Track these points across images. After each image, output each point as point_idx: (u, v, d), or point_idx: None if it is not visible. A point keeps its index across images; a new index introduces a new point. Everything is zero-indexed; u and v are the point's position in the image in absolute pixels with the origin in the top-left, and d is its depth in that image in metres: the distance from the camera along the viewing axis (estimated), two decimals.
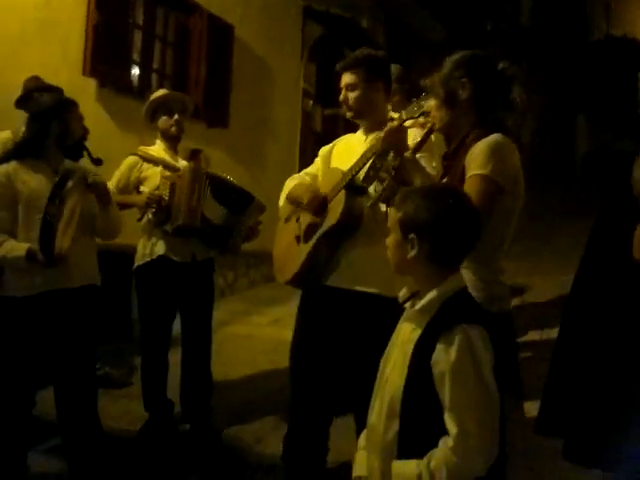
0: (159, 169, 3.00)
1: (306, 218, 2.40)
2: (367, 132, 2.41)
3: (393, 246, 1.51)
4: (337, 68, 2.42)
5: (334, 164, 2.45)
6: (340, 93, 2.42)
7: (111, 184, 2.90)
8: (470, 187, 1.73)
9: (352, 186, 2.22)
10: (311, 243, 2.31)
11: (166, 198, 2.89)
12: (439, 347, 1.37)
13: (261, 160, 6.24)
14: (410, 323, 1.50)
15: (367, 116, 2.39)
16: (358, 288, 2.26)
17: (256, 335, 4.74)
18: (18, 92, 3.42)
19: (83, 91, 4.20)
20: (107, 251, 2.66)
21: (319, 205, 2.31)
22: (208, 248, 3.06)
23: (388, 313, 2.16)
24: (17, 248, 2.28)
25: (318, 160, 2.57)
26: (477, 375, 1.34)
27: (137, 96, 4.88)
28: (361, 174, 2.20)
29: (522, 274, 5.00)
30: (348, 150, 2.42)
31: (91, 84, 4.39)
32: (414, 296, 1.52)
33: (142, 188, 3.02)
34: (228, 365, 3.77)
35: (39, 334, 2.40)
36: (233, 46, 5.75)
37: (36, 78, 3.37)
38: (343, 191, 2.23)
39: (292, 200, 2.45)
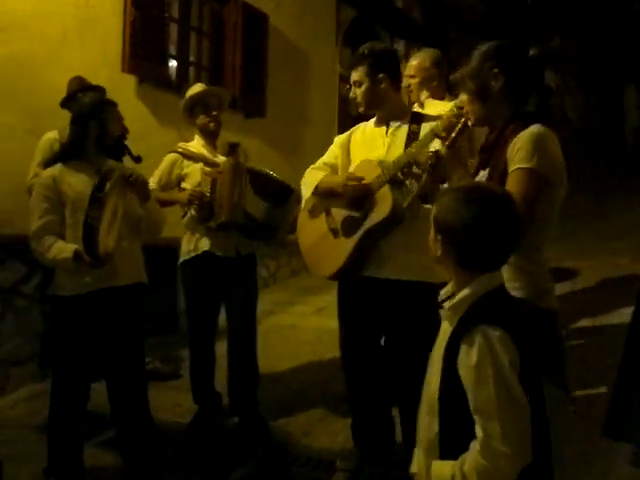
0: (199, 165, 3.01)
1: (340, 211, 2.41)
2: (383, 123, 2.45)
3: (429, 240, 1.52)
4: (345, 67, 2.50)
5: (356, 154, 2.48)
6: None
7: (152, 182, 2.93)
8: (514, 181, 1.69)
9: (395, 181, 2.23)
10: (356, 237, 2.32)
11: (208, 194, 2.90)
12: (462, 348, 1.37)
13: (299, 148, 6.22)
14: (446, 322, 1.50)
15: (378, 108, 2.45)
16: (399, 277, 2.30)
17: (300, 325, 4.76)
18: (62, 92, 3.50)
19: (123, 88, 4.26)
20: (153, 245, 2.69)
21: (361, 198, 2.31)
22: (251, 242, 3.07)
23: (430, 298, 2.24)
24: (65, 250, 2.33)
25: (334, 148, 2.57)
26: (497, 377, 1.32)
27: (175, 90, 4.91)
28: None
29: (569, 257, 4.86)
30: (370, 140, 2.45)
31: (130, 80, 4.44)
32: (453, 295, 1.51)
33: (184, 185, 3.04)
34: (273, 357, 3.80)
35: (90, 331, 2.46)
36: (268, 35, 5.72)
37: (79, 78, 3.43)
38: (387, 186, 2.24)
39: (325, 192, 2.45)
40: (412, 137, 2.33)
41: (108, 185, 2.31)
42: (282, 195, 2.97)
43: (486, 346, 1.33)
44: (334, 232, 2.42)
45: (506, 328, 1.35)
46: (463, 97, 1.88)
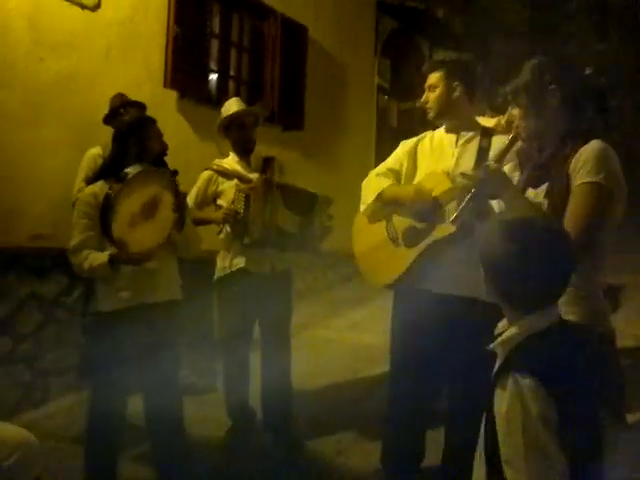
0: (234, 182, 3.04)
1: (402, 220, 2.40)
2: (453, 132, 2.43)
3: (485, 281, 1.47)
4: (423, 70, 2.50)
5: (423, 163, 2.46)
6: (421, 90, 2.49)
7: (190, 199, 2.97)
8: (581, 195, 1.68)
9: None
10: (419, 248, 2.31)
11: (241, 211, 2.92)
12: (496, 393, 1.34)
13: (337, 159, 6.22)
14: (497, 357, 1.45)
15: (447, 116, 2.43)
16: (457, 293, 2.27)
17: (335, 339, 4.74)
18: (106, 108, 3.58)
19: (165, 103, 4.34)
20: (188, 259, 2.72)
21: (430, 211, 2.29)
22: (286, 257, 3.07)
23: (482, 315, 2.19)
24: (100, 256, 2.37)
25: (400, 155, 2.53)
26: (525, 428, 1.26)
27: (215, 105, 4.96)
28: None
29: (613, 272, 4.68)
30: (439, 150, 2.43)
31: (172, 95, 4.52)
32: None
33: (219, 202, 3.08)
34: (307, 372, 3.77)
35: (128, 345, 2.48)
36: (307, 47, 5.75)
37: (121, 95, 3.51)
38: (456, 202, 2.18)
39: (390, 200, 2.43)
40: (482, 152, 2.32)
41: (134, 169, 2.32)
42: (308, 203, 2.98)
43: (516, 394, 1.28)
44: (394, 241, 2.41)
45: (541, 377, 1.28)
46: (514, 111, 1.85)
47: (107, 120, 3.40)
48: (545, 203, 1.75)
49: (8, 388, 3.45)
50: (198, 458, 2.73)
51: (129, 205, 2.30)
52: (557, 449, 1.26)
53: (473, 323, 2.24)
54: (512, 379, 1.29)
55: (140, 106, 3.35)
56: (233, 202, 2.96)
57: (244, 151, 3.14)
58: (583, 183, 1.67)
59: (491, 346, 1.45)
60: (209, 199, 3.11)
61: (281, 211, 2.93)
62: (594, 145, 1.70)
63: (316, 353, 4.24)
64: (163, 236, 2.39)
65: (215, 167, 3.13)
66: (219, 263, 3.10)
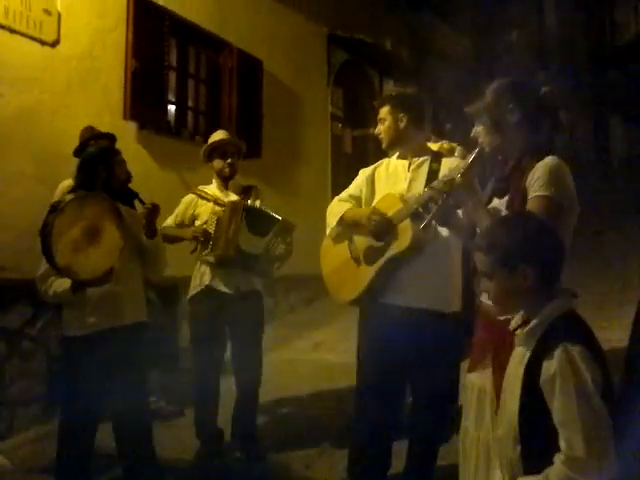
0: (211, 205, 3.22)
1: (362, 241, 2.58)
2: (405, 158, 2.65)
3: (499, 288, 1.55)
4: (374, 104, 2.74)
5: (380, 188, 2.66)
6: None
7: (170, 219, 3.26)
8: (535, 207, 1.84)
9: (416, 215, 2.39)
10: (378, 265, 2.49)
11: (211, 231, 3.11)
12: (544, 366, 1.43)
13: (294, 185, 6.39)
14: (521, 348, 1.56)
15: (398, 145, 2.66)
16: (415, 305, 2.45)
17: (299, 360, 4.84)
18: (68, 139, 3.65)
19: (125, 134, 4.41)
20: (154, 284, 2.80)
21: (384, 230, 2.47)
22: (252, 279, 3.20)
23: (445, 328, 2.41)
24: (64, 282, 2.42)
25: (359, 182, 2.74)
26: (578, 390, 1.38)
27: (174, 134, 5.12)
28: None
29: None
30: (394, 175, 2.64)
31: (132, 127, 4.62)
32: (526, 323, 1.58)
33: (196, 223, 3.26)
34: (273, 391, 3.86)
35: (96, 370, 2.51)
36: (262, 79, 5.95)
37: (91, 128, 3.58)
38: (409, 220, 2.41)
39: (349, 222, 2.62)
40: (432, 174, 2.52)
41: (69, 196, 2.39)
42: (267, 225, 3.16)
43: (567, 360, 1.40)
44: (356, 260, 2.58)
45: (586, 344, 1.43)
46: (479, 129, 2.04)
47: (77, 152, 3.47)
48: (506, 213, 1.92)
49: None
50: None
51: (68, 232, 2.32)
52: (605, 409, 1.38)
53: (434, 333, 2.42)
54: (561, 349, 1.41)
55: (110, 138, 3.44)
56: (205, 222, 3.16)
57: (224, 178, 3.33)
58: (536, 196, 1.84)
59: (518, 335, 1.56)
60: (187, 221, 3.30)
61: (243, 232, 3.09)
62: (548, 161, 1.87)
63: (281, 374, 4.32)
64: (114, 258, 2.41)
65: (197, 192, 3.34)
66: (192, 282, 3.26)
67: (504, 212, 1.94)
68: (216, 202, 3.24)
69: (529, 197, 1.85)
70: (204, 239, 3.13)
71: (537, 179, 1.85)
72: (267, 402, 3.47)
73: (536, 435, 1.45)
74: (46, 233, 2.28)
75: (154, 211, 2.61)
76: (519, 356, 1.56)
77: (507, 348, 1.87)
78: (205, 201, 3.28)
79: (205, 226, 3.15)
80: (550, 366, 1.42)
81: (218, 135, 3.42)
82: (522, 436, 1.48)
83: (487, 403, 1.90)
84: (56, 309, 2.80)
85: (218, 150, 3.33)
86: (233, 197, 3.29)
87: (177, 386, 3.95)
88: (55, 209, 2.33)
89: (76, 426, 2.52)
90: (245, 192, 3.33)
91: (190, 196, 3.36)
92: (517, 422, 1.48)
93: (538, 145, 1.94)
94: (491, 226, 1.66)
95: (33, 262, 2.57)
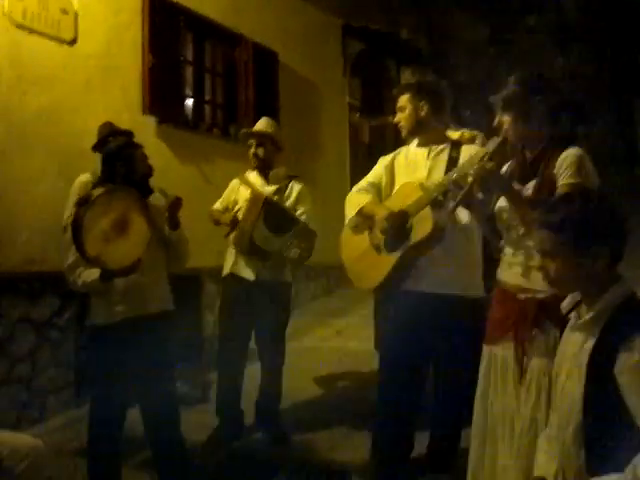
0: (249, 192, 3.31)
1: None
2: (424, 146, 2.66)
3: (564, 268, 1.51)
4: (393, 93, 2.76)
5: (399, 176, 2.70)
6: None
7: (218, 203, 3.45)
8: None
9: (436, 203, 2.43)
10: (399, 253, 2.51)
11: (239, 218, 3.21)
12: (622, 356, 1.38)
13: (313, 176, 6.40)
14: (580, 333, 1.53)
15: (418, 133, 2.68)
16: (436, 290, 2.47)
17: (321, 347, 4.89)
18: (87, 136, 3.72)
19: (144, 129, 4.49)
20: (179, 274, 2.87)
21: (399, 220, 2.50)
22: (270, 269, 3.26)
23: (466, 312, 2.45)
24: (93, 272, 2.49)
25: (379, 170, 2.77)
26: None
27: (193, 128, 5.19)
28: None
29: None
30: (413, 163, 2.67)
31: (151, 122, 4.69)
32: (577, 306, 1.57)
33: (236, 208, 3.36)
34: (296, 379, 3.90)
35: (124, 357, 2.59)
36: (278, 71, 5.98)
37: (110, 124, 3.64)
38: (429, 207, 2.43)
39: (368, 215, 2.65)
40: (452, 162, 2.54)
41: (98, 190, 2.47)
42: (285, 225, 3.18)
43: None
44: (377, 248, 2.61)
45: None
46: (504, 118, 2.10)
47: (96, 147, 3.54)
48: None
49: (6, 408, 3.53)
50: (196, 464, 2.84)
51: (98, 224, 2.40)
52: None
53: (455, 318, 2.45)
54: None
55: (128, 134, 3.51)
56: (239, 210, 3.26)
57: (257, 167, 3.40)
58: (567, 183, 1.94)
59: (582, 321, 1.52)
60: (231, 204, 3.42)
61: (259, 226, 3.14)
62: (574, 151, 1.98)
63: (304, 360, 4.37)
64: (141, 249, 2.48)
65: (240, 178, 3.45)
66: (224, 264, 3.37)
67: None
68: (252, 190, 3.32)
69: (559, 184, 1.95)
70: (233, 225, 3.23)
71: (566, 167, 1.95)
72: (290, 388, 3.52)
73: (601, 424, 1.42)
74: (77, 225, 2.36)
75: (177, 204, 2.67)
76: (578, 342, 1.52)
77: (527, 324, 1.98)
78: (245, 187, 3.36)
79: (238, 213, 3.26)
80: (630, 357, 1.36)
81: (258, 124, 3.50)
82: (586, 424, 1.44)
83: (510, 374, 1.99)
84: (82, 300, 2.87)
85: (248, 139, 3.43)
86: (269, 188, 3.34)
87: (201, 373, 4.03)
88: (85, 202, 2.41)
89: (105, 412, 2.60)
90: (285, 182, 3.39)
91: (235, 181, 3.47)
92: (580, 410, 1.45)
93: (561, 135, 2.05)
94: (560, 203, 1.58)
95: (59, 255, 2.65)
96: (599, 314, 1.47)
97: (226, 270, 3.31)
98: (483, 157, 2.10)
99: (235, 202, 3.39)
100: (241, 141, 3.52)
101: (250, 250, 3.15)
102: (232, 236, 3.26)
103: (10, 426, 3.31)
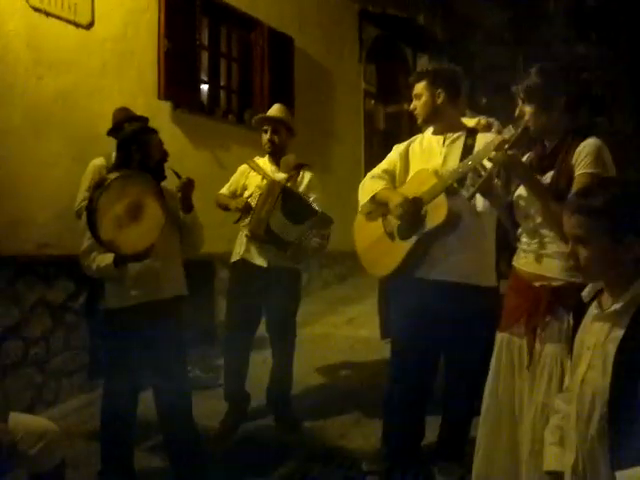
0: (260, 178, 3.30)
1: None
2: (440, 134, 2.64)
3: (595, 255, 1.49)
4: (409, 80, 2.73)
5: (414, 164, 2.67)
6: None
7: (225, 188, 3.40)
8: (583, 184, 1.89)
9: (450, 190, 2.41)
10: (413, 240, 2.51)
11: (253, 205, 3.18)
12: None
13: (328, 163, 6.39)
14: (605, 323, 1.51)
15: (433, 121, 2.65)
16: (453, 279, 2.46)
17: (333, 334, 4.89)
18: (103, 121, 3.74)
19: (159, 114, 4.49)
20: (192, 260, 2.87)
21: (414, 206, 2.48)
22: (283, 256, 3.24)
23: (479, 301, 2.44)
24: (106, 257, 2.50)
25: (393, 157, 2.74)
26: None
27: (208, 114, 5.18)
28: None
29: None
30: (428, 151, 2.64)
31: (166, 107, 4.69)
32: (597, 295, 1.56)
33: (245, 193, 3.35)
34: (308, 366, 3.93)
35: (137, 341, 2.60)
36: (294, 56, 5.94)
37: (125, 109, 3.65)
38: (443, 194, 2.42)
39: (381, 202, 2.63)
40: (467, 149, 2.52)
41: (113, 175, 2.46)
42: (304, 214, 3.17)
43: None
44: (390, 235, 2.60)
45: None
46: (525, 108, 2.09)
47: (111, 133, 3.55)
48: (552, 187, 2.00)
49: (21, 390, 3.58)
50: (207, 448, 2.86)
51: (112, 208, 2.40)
52: None
53: (466, 306, 2.43)
54: None
55: (143, 120, 3.51)
56: (251, 195, 3.24)
57: (269, 153, 3.38)
58: (584, 173, 1.95)
59: (609, 311, 1.50)
60: (239, 190, 3.39)
61: (276, 214, 3.12)
62: (593, 142, 1.99)
63: (316, 348, 4.40)
64: (154, 235, 2.48)
65: (250, 163, 3.42)
66: (234, 249, 3.36)
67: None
68: (264, 176, 3.30)
69: (576, 174, 1.96)
70: (245, 211, 3.21)
71: (584, 157, 1.96)
72: (302, 374, 3.53)
73: (628, 416, 1.40)
74: (92, 209, 2.37)
75: (189, 185, 2.67)
76: (602, 332, 1.50)
77: (541, 311, 1.99)
78: (256, 173, 3.34)
79: (250, 199, 3.23)
80: None
81: (271, 110, 3.47)
82: (612, 416, 1.42)
83: (522, 361, 2.02)
84: (96, 284, 2.89)
85: (263, 125, 3.40)
86: (280, 175, 3.31)
87: (214, 358, 4.06)
88: (100, 186, 2.41)
89: (118, 395, 2.62)
90: (294, 169, 3.36)
91: (244, 166, 3.44)
92: (606, 402, 1.43)
93: (580, 127, 2.04)
94: (596, 189, 1.55)
95: (74, 239, 2.67)
96: (627, 305, 1.45)
97: (236, 256, 3.29)
98: (500, 145, 2.10)
99: (244, 187, 3.36)
100: (255, 127, 3.49)
101: (267, 238, 3.14)
102: (245, 222, 3.24)
103: (25, 408, 3.38)
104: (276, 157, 3.38)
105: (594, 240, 1.48)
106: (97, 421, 2.70)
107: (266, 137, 3.35)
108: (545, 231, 2.03)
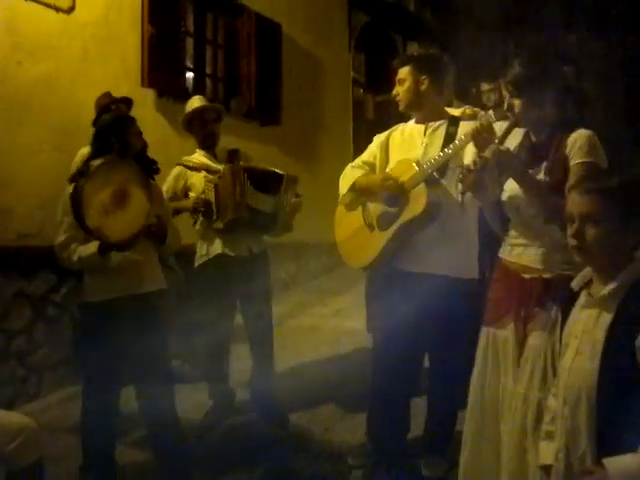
0: (202, 174, 3.18)
1: (376, 207, 2.56)
2: (422, 122, 2.58)
3: (604, 235, 1.49)
4: (393, 64, 2.66)
5: (394, 154, 2.61)
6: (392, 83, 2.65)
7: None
8: (579, 172, 1.93)
9: (431, 180, 2.38)
10: (391, 230, 2.47)
11: (212, 200, 3.07)
12: None
13: (316, 153, 6.34)
14: (594, 309, 1.51)
15: (417, 108, 2.59)
16: (435, 272, 2.43)
17: (320, 326, 4.86)
18: (85, 108, 3.66)
19: (143, 101, 4.41)
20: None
21: (396, 196, 2.46)
22: (262, 239, 3.22)
23: (462, 294, 2.42)
24: (89, 246, 2.45)
25: (374, 148, 2.69)
26: None
27: None
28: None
29: None
30: (409, 140, 2.59)
31: (150, 94, 4.60)
32: (587, 285, 1.56)
33: (191, 194, 3.22)
34: (294, 357, 3.90)
35: (118, 335, 2.55)
36: (281, 43, 5.85)
37: (109, 94, 3.56)
38: (423, 184, 2.38)
39: (362, 189, 2.60)
40: (449, 138, 2.47)
41: (97, 161, 2.42)
42: (275, 182, 3.13)
43: None
44: (370, 226, 2.57)
45: None
46: (515, 101, 2.06)
47: (96, 122, 3.46)
48: (545, 179, 2.00)
49: (2, 383, 3.52)
50: (190, 440, 2.84)
51: (97, 196, 2.36)
52: None
53: (450, 299, 2.41)
54: None
55: (127, 102, 3.42)
56: (203, 192, 3.11)
57: (207, 146, 3.28)
58: (580, 162, 1.95)
59: (599, 296, 1.50)
60: (180, 194, 3.24)
61: (250, 192, 3.07)
62: (584, 132, 1.99)
63: (301, 340, 4.37)
64: (141, 222, 2.44)
65: (184, 162, 3.27)
66: (198, 252, 3.24)
67: (544, 179, 2.01)
68: (208, 170, 3.18)
69: (572, 163, 1.95)
70: (205, 209, 3.08)
71: (579, 147, 1.96)
72: (287, 367, 3.51)
73: (616, 400, 1.40)
74: (77, 197, 2.33)
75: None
76: (591, 318, 1.51)
77: (531, 303, 1.99)
78: (195, 172, 3.21)
79: (203, 196, 3.10)
80: None
81: (195, 102, 3.32)
82: (600, 399, 1.42)
83: (509, 355, 2.01)
84: (78, 276, 2.83)
85: (197, 118, 3.25)
86: (222, 164, 3.20)
87: (198, 352, 4.01)
88: (85, 174, 2.37)
89: (98, 390, 2.58)
90: (231, 156, 3.26)
91: (177, 168, 3.27)
92: (594, 386, 1.43)
93: (569, 119, 2.04)
94: (608, 173, 1.61)
95: (55, 229, 2.60)
96: (617, 289, 1.46)
97: (208, 254, 3.16)
98: (476, 131, 2.09)
99: (186, 189, 3.21)
100: (185, 122, 3.31)
101: (251, 218, 3.07)
102: (210, 220, 3.10)
103: (7, 402, 3.32)
104: (213, 149, 3.28)
105: (606, 219, 1.49)
106: (79, 416, 2.65)
107: (208, 128, 3.23)
108: (536, 223, 2.01)
